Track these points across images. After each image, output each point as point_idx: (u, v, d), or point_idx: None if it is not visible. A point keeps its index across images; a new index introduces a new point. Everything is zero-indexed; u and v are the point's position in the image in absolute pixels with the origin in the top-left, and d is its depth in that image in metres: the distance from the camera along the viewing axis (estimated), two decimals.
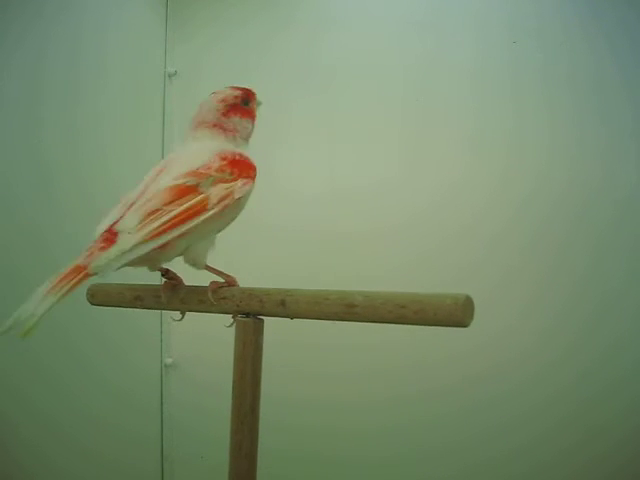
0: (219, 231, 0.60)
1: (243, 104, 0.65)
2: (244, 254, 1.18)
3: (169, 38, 1.34)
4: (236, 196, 0.57)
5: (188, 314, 0.64)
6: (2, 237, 0.88)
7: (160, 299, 0.61)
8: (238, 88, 0.65)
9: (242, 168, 0.59)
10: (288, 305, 0.53)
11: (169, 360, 1.31)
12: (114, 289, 0.67)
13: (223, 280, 0.59)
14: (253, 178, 0.60)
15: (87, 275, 0.49)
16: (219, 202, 0.55)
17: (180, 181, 0.55)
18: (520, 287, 1.15)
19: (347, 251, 1.20)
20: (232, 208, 0.57)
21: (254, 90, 0.67)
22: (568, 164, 1.14)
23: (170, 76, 1.33)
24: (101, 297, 0.67)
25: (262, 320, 0.57)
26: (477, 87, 1.19)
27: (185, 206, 0.53)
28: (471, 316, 0.46)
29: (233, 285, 0.59)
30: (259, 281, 0.58)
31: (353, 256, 1.20)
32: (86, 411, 1.03)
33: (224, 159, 0.58)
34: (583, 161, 1.13)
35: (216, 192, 0.55)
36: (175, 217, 0.52)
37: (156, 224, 0.51)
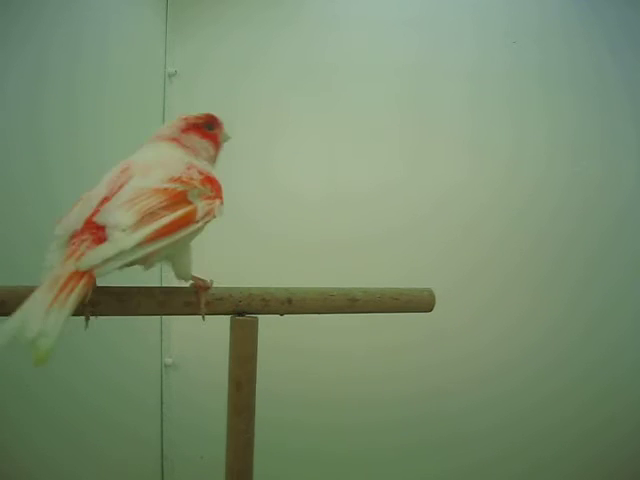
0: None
1: (206, 128, 0.62)
2: (245, 258, 1.19)
3: (169, 38, 1.33)
4: (216, 215, 0.55)
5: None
6: (2, 236, 0.88)
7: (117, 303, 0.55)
8: (206, 114, 0.63)
9: (218, 188, 0.57)
10: (295, 303, 0.57)
11: (169, 360, 1.31)
12: None
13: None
14: (223, 201, 0.57)
15: (92, 277, 0.44)
16: (204, 217, 0.53)
17: (170, 185, 0.51)
18: (522, 289, 1.15)
19: (346, 255, 1.20)
20: (201, 228, 0.54)
21: (221, 120, 0.64)
22: (569, 165, 1.14)
23: (170, 76, 1.33)
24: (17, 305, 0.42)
25: (257, 318, 0.57)
26: (477, 87, 1.20)
27: (179, 213, 0.50)
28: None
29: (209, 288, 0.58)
30: (260, 284, 0.59)
31: (352, 260, 1.19)
32: (86, 411, 1.03)
33: (201, 173, 0.56)
34: (584, 162, 1.14)
35: (202, 206, 0.53)
36: (171, 223, 0.49)
37: (155, 226, 0.47)
